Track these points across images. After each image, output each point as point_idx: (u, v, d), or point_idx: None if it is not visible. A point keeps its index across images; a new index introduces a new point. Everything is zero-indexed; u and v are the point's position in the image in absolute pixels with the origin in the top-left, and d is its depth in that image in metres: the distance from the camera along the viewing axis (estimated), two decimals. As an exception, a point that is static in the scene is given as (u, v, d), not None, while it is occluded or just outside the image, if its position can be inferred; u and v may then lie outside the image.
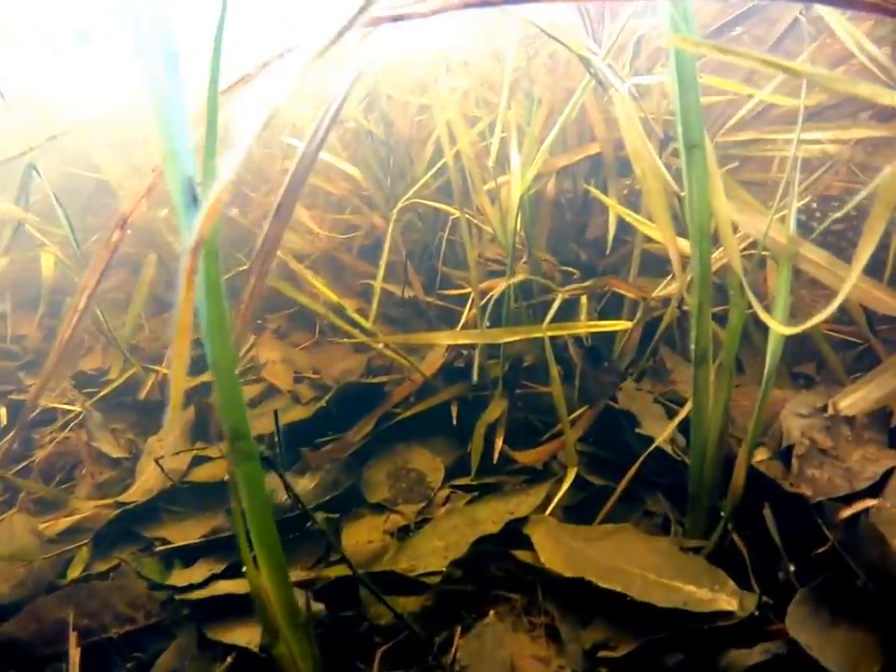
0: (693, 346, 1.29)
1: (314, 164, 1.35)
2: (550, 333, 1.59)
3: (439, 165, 1.91)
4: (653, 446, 1.45)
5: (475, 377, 1.75)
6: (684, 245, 1.43)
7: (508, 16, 2.33)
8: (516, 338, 1.64)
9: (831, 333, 1.93)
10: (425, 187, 2.22)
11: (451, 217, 2.01)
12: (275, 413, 1.42)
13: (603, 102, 1.96)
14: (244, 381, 2.12)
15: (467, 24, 2.49)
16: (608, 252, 1.80)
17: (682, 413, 1.44)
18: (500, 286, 1.86)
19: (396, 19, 1.02)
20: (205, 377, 2.12)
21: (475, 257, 1.83)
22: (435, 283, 1.98)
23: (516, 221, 1.62)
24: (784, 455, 1.47)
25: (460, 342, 1.64)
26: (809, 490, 1.36)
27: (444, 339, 1.64)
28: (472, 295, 1.84)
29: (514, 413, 1.76)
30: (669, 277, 1.69)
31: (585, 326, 1.65)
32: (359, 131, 2.26)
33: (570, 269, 1.95)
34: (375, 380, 1.79)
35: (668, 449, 1.49)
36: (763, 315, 1.14)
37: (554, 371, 1.58)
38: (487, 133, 1.99)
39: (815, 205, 2.10)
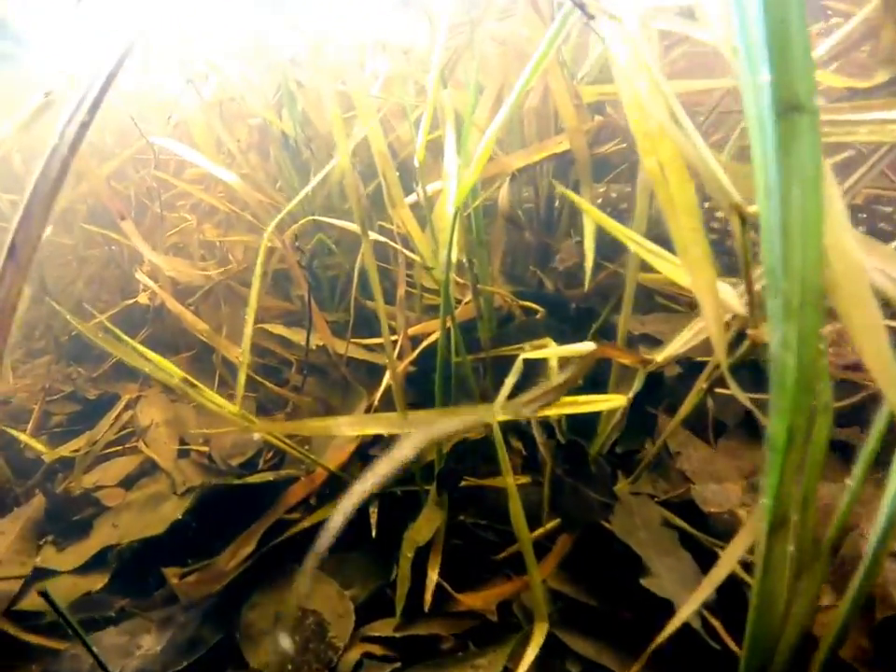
0: (766, 502, 0.57)
1: (60, 185, 0.65)
2: (504, 418, 0.88)
3: (330, 166, 1.15)
4: (674, 627, 0.73)
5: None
6: (729, 297, 0.71)
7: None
8: (454, 427, 0.90)
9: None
10: (339, 197, 1.48)
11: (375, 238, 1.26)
12: (44, 594, 0.68)
13: (573, 83, 1.22)
14: (119, 448, 1.37)
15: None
16: (585, 285, 1.06)
17: (720, 573, 0.72)
18: (433, 335, 1.13)
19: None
20: (66, 450, 1.38)
21: (393, 304, 1.10)
22: (353, 324, 1.23)
23: (450, 246, 0.88)
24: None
25: (370, 431, 0.91)
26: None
27: (348, 428, 0.91)
28: (398, 344, 1.11)
29: (456, 518, 1.04)
30: (690, 329, 0.95)
31: (559, 405, 0.92)
32: (270, 129, 1.50)
33: (533, 305, 1.22)
34: (256, 478, 1.06)
35: (695, 623, 0.77)
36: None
37: (510, 480, 0.86)
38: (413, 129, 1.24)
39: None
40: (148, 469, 1.32)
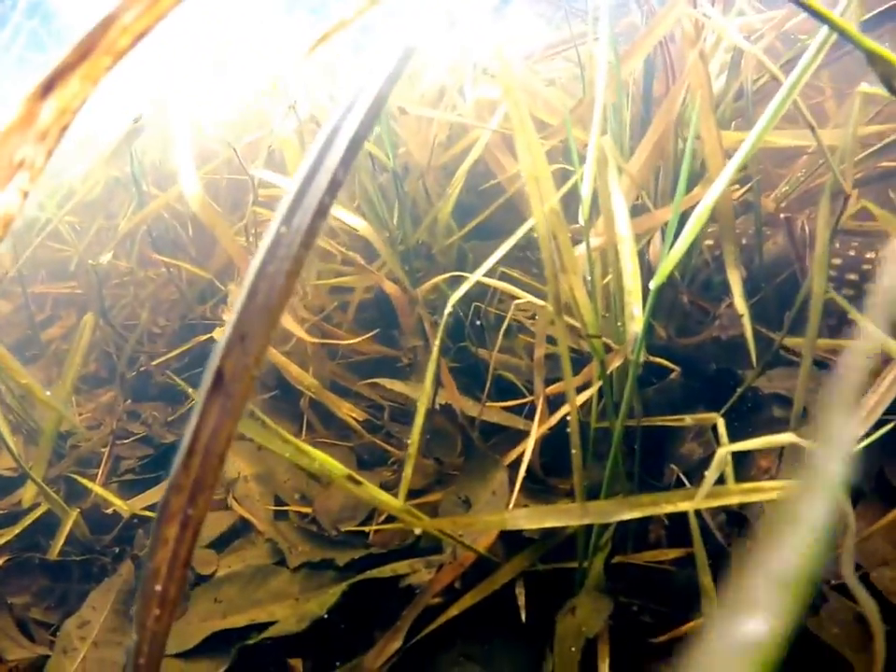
0: None
1: (285, 300, 0.48)
2: (700, 505, 0.81)
3: (527, 227, 1.02)
4: None
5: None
6: None
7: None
8: (636, 515, 0.83)
9: None
10: (448, 232, 1.38)
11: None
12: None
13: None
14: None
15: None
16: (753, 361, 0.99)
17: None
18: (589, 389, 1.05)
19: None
20: (145, 503, 1.26)
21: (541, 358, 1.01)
22: (474, 378, 1.14)
23: (640, 341, 0.79)
24: None
25: (549, 524, 0.82)
26: None
27: (525, 522, 0.82)
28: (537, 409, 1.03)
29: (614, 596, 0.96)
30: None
31: (739, 490, 0.85)
32: (360, 157, 1.39)
33: (666, 362, 1.14)
34: (404, 566, 0.96)
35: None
36: None
37: (708, 579, 0.80)
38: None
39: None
40: (239, 528, 1.21)
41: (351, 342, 1.24)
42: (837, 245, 1.31)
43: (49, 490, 1.20)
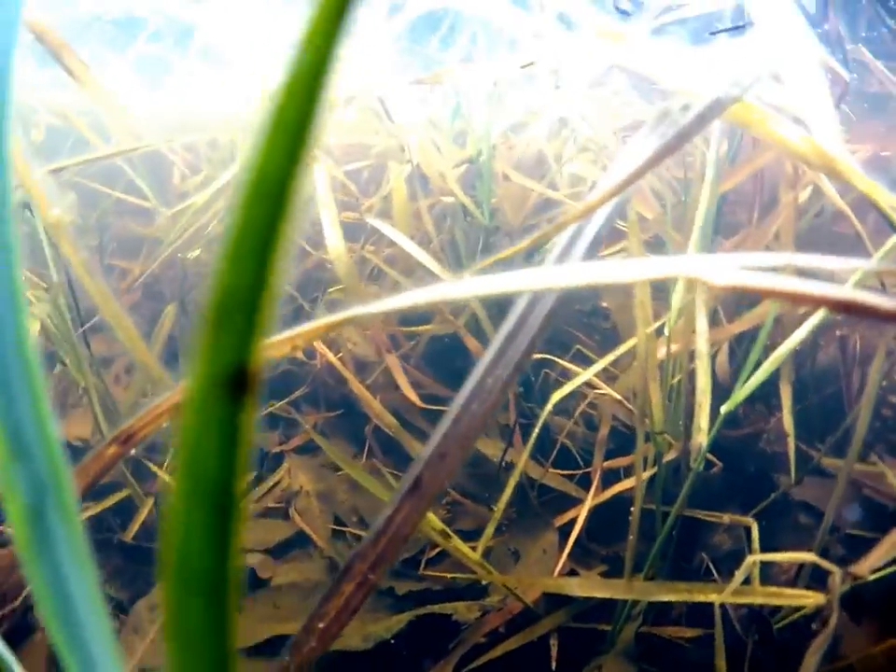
0: None
1: (482, 428, 0.68)
2: (727, 600, 1.02)
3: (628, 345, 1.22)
4: None
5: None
6: None
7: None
8: (672, 598, 1.04)
9: None
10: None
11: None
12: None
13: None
14: (265, 510, 1.47)
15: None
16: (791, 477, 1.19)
17: None
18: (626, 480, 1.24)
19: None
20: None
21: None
22: (537, 442, 1.34)
23: (703, 453, 0.99)
24: None
25: (597, 595, 1.03)
26: None
27: (578, 589, 1.03)
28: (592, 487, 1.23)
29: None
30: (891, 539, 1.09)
31: (763, 593, 1.05)
32: (454, 207, 1.59)
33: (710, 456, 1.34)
34: (461, 606, 1.16)
35: None
36: None
37: (722, 663, 1.00)
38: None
39: None
40: (296, 539, 1.42)
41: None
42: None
43: (128, 474, 1.41)
